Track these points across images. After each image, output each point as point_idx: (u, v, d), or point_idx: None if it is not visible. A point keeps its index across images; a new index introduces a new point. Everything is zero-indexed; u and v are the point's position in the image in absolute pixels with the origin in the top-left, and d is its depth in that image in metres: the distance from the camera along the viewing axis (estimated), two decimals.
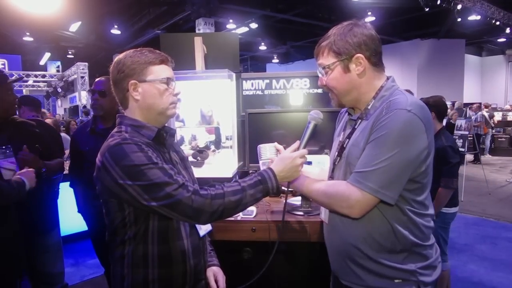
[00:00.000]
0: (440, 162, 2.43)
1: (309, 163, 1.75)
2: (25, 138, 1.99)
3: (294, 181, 1.26)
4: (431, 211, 1.19)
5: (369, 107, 1.17)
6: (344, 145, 1.22)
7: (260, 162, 1.35)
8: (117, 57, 1.19)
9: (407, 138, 1.05)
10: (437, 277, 1.19)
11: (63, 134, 5.63)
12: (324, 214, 1.30)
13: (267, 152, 1.34)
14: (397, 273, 1.13)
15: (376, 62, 1.17)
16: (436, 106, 2.67)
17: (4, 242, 1.70)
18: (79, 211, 2.43)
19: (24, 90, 18.69)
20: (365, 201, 1.08)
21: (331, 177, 1.29)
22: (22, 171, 1.80)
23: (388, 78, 1.20)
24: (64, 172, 2.43)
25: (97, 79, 2.29)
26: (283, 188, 1.30)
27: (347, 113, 1.31)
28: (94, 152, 1.14)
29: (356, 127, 1.20)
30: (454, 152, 2.58)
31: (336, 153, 1.26)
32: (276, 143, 1.34)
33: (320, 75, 1.22)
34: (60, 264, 2.39)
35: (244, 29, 12.53)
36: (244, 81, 2.36)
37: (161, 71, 1.18)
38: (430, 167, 1.14)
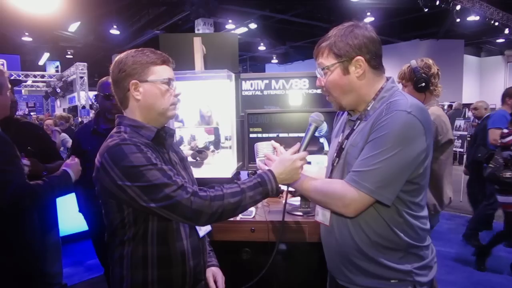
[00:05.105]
0: None
1: (308, 163, 1.76)
2: (27, 139, 1.98)
3: (294, 183, 1.25)
4: (426, 212, 1.20)
5: (368, 108, 1.17)
6: (343, 146, 1.22)
7: (257, 159, 1.36)
8: (118, 57, 1.19)
9: (406, 140, 1.05)
10: (433, 277, 1.19)
11: (63, 134, 5.63)
12: (321, 216, 1.29)
13: (264, 150, 1.35)
14: (393, 274, 1.14)
15: (376, 65, 1.17)
16: None
17: (32, 248, 1.63)
18: (80, 211, 2.42)
19: (23, 90, 18.67)
20: (360, 201, 1.09)
21: (330, 178, 1.29)
22: (67, 161, 1.76)
23: (388, 79, 1.21)
24: None
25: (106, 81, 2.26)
26: (282, 188, 1.30)
27: (346, 113, 1.31)
28: (96, 152, 1.14)
29: (355, 128, 1.20)
30: None
31: (335, 154, 1.26)
32: (273, 141, 1.35)
33: (318, 75, 1.22)
34: (58, 264, 2.39)
35: (243, 30, 12.52)
36: (243, 82, 2.36)
37: (163, 71, 1.18)
38: (428, 169, 1.14)
